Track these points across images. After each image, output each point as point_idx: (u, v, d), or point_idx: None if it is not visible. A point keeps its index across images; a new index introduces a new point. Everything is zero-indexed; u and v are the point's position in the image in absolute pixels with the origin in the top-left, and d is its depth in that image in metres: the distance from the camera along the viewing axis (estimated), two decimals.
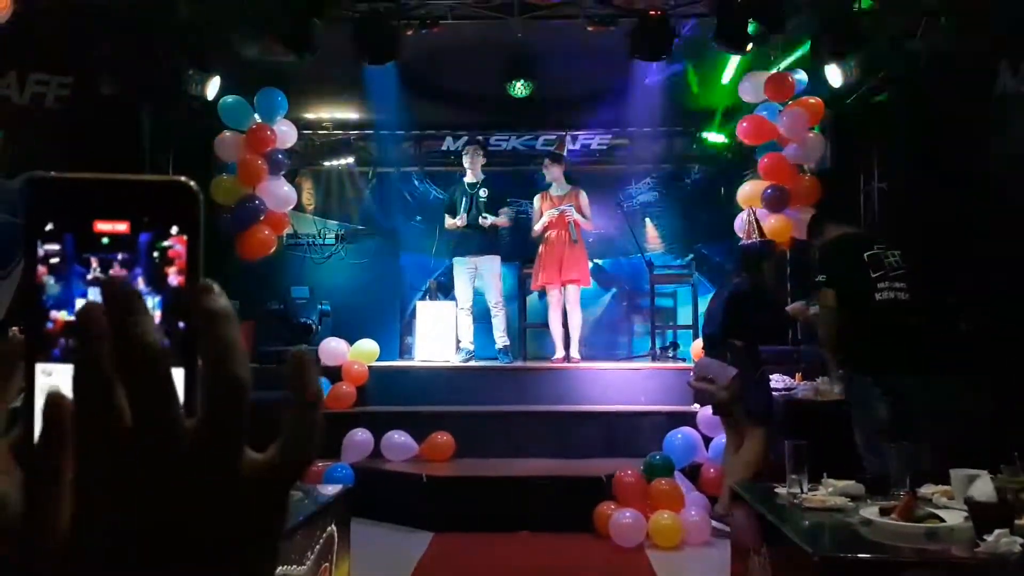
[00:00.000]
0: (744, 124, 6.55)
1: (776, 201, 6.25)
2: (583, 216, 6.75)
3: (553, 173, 6.84)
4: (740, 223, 6.44)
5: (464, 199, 6.82)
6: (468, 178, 6.95)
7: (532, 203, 7.03)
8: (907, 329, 3.87)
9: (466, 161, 6.98)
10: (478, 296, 7.09)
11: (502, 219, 6.77)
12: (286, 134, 6.81)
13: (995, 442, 2.94)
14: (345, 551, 3.14)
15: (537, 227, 6.82)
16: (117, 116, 6.06)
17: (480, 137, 8.34)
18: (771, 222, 6.20)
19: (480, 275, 6.83)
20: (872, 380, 3.89)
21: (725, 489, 4.70)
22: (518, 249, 7.74)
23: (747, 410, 4.73)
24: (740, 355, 4.71)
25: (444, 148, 9.00)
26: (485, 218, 6.70)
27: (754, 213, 5.85)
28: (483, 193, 6.80)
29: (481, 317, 7.22)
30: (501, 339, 6.88)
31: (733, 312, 4.77)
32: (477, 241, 6.77)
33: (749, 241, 5.45)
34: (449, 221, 6.89)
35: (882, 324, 3.90)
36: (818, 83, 6.40)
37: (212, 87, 6.55)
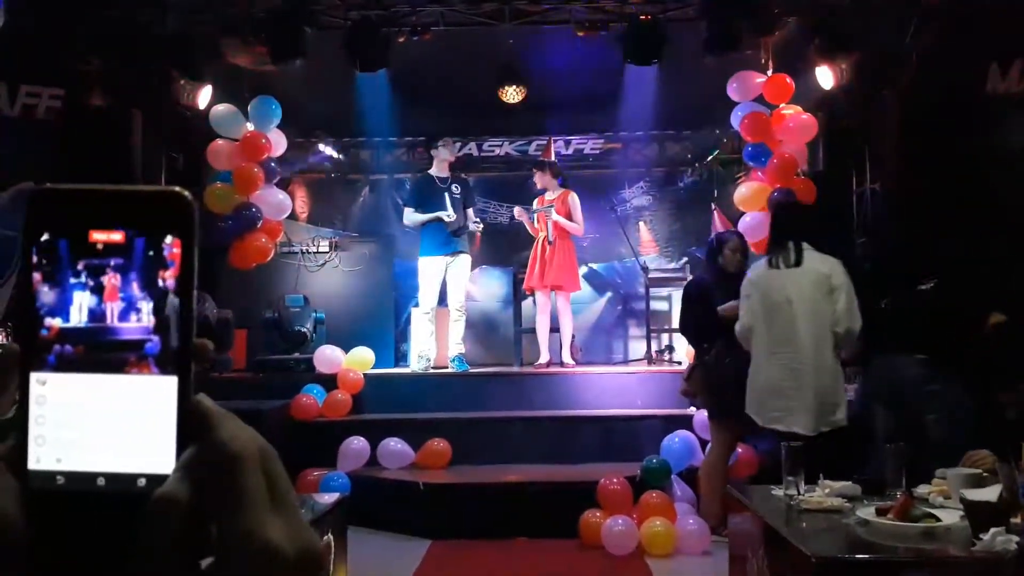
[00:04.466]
0: (745, 120, 6.41)
1: None
2: (569, 218, 6.64)
3: (541, 180, 6.83)
4: (742, 225, 6.49)
5: (436, 195, 6.49)
6: (435, 171, 6.64)
7: (531, 207, 7.01)
8: (924, 317, 3.81)
9: (445, 152, 6.61)
10: (470, 301, 7.09)
11: (475, 226, 6.64)
12: (276, 142, 6.80)
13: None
14: (342, 560, 3.14)
15: (530, 230, 6.84)
16: (108, 127, 6.06)
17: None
18: None
19: (449, 275, 6.56)
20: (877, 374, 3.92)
21: (706, 503, 4.72)
22: (513, 254, 7.76)
23: (705, 406, 4.76)
24: (699, 348, 4.76)
25: None
26: (451, 216, 6.39)
27: (717, 207, 5.89)
28: (456, 189, 6.55)
29: (473, 321, 7.23)
30: (457, 346, 6.64)
31: (684, 304, 4.86)
32: (448, 239, 6.47)
33: (713, 235, 5.52)
34: (413, 216, 6.50)
35: (895, 313, 3.90)
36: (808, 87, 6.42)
37: (203, 96, 6.56)
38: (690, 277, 7.60)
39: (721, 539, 4.34)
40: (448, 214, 6.40)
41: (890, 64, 5.91)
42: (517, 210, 6.97)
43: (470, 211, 6.67)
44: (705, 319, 4.69)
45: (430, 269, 6.54)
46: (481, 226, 6.75)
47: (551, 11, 6.60)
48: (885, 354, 3.91)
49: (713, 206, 5.87)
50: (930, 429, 3.64)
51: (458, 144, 6.82)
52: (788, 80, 6.34)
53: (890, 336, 3.89)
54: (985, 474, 2.56)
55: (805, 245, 3.95)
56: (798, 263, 3.93)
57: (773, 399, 3.96)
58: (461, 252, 6.56)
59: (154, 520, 0.39)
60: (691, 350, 5.12)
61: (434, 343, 6.68)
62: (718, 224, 5.73)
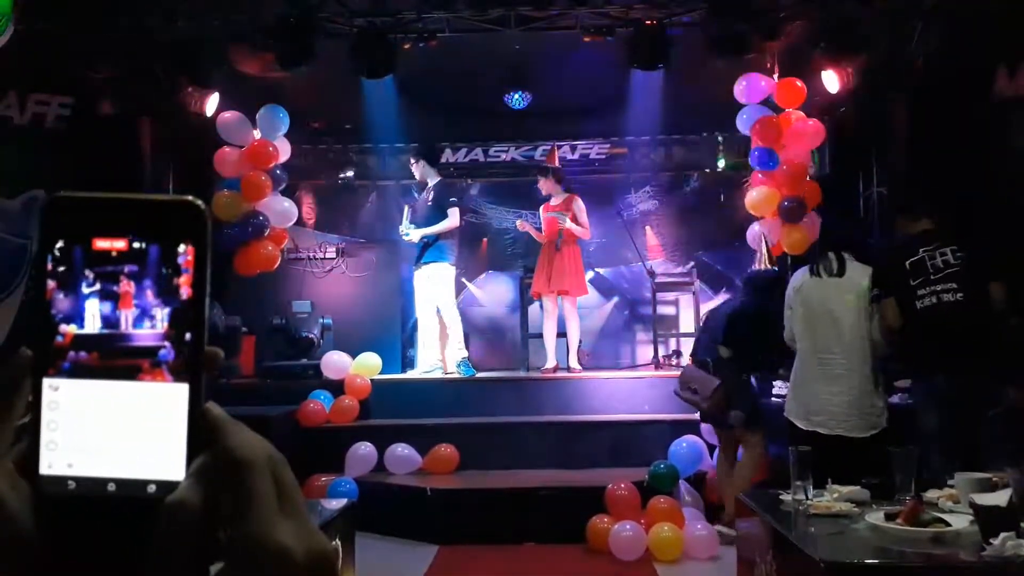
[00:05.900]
0: (756, 124, 6.35)
1: (794, 213, 6.20)
2: (575, 223, 6.63)
3: (545, 186, 6.83)
4: (752, 235, 6.46)
5: (411, 207, 6.77)
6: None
7: (538, 213, 7.03)
8: (955, 332, 3.72)
9: (417, 171, 6.89)
10: (476, 307, 7.09)
11: (413, 233, 6.58)
12: (283, 150, 6.81)
13: None
14: (350, 566, 3.14)
15: (536, 238, 6.85)
16: (117, 134, 6.09)
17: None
18: (786, 233, 6.19)
19: (430, 285, 6.63)
20: (924, 387, 3.85)
21: (728, 501, 4.70)
22: (519, 259, 7.76)
23: (743, 418, 4.74)
24: (724, 364, 4.74)
25: (443, 161, 9.04)
26: (406, 234, 6.63)
27: (766, 238, 5.84)
28: (428, 197, 6.67)
29: (480, 326, 7.22)
30: (459, 351, 6.65)
31: (736, 328, 4.80)
32: (416, 249, 6.66)
33: (760, 268, 5.44)
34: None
35: (927, 330, 3.78)
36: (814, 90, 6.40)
37: (211, 103, 6.58)
38: (696, 281, 7.61)
39: (729, 531, 4.36)
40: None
41: (896, 67, 5.90)
42: (519, 223, 6.99)
43: (452, 211, 6.59)
44: (762, 347, 4.69)
45: (417, 279, 6.74)
46: (448, 224, 6.54)
47: (557, 17, 6.60)
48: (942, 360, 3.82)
49: (765, 234, 5.80)
50: (990, 426, 3.60)
51: (421, 162, 6.83)
52: (799, 84, 6.32)
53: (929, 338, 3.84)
54: (995, 479, 2.55)
55: (847, 255, 4.02)
56: (840, 273, 4.00)
57: (817, 405, 3.99)
58: (429, 262, 6.58)
59: (166, 526, 0.40)
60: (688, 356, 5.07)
61: (437, 348, 6.74)
62: (764, 253, 5.71)
